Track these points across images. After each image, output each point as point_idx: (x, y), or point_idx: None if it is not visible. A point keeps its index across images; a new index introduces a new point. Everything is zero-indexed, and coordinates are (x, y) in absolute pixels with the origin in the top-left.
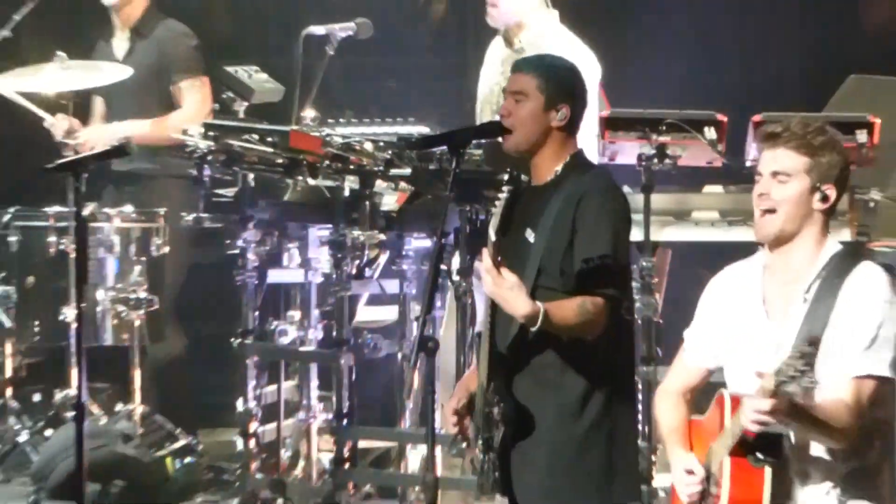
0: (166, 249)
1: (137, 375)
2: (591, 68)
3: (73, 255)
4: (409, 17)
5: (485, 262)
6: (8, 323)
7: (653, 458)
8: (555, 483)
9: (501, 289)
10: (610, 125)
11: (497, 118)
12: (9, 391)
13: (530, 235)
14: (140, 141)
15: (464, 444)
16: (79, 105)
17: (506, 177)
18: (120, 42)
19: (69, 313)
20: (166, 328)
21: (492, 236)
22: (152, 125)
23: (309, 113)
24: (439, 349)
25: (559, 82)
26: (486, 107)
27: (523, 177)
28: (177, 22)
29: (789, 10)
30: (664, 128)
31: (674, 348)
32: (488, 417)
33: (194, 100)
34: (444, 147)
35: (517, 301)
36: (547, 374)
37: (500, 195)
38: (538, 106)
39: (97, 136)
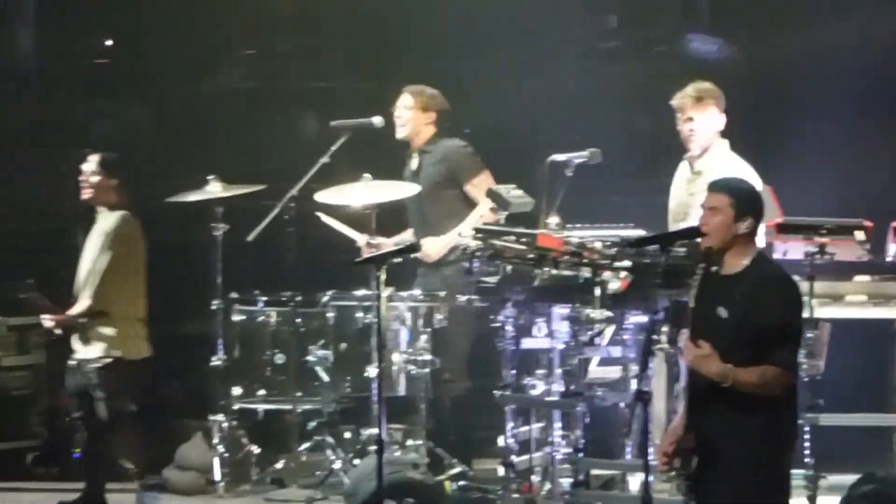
0: (445, 323)
1: (424, 419)
2: (755, 182)
3: (375, 326)
4: (626, 146)
5: (684, 339)
6: (326, 379)
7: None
8: (742, 500)
9: (698, 356)
10: (782, 229)
11: (686, 225)
12: (326, 430)
13: (722, 312)
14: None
15: (672, 474)
16: (379, 214)
17: (700, 268)
18: (413, 161)
19: (372, 371)
20: (443, 382)
21: (690, 304)
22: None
23: (553, 219)
24: (652, 400)
25: (745, 200)
26: (675, 216)
27: (713, 268)
28: (455, 139)
29: None
30: (824, 231)
31: (833, 401)
32: (688, 450)
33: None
34: (656, 245)
35: (711, 365)
36: (735, 414)
37: (695, 277)
38: (729, 218)
39: (429, 247)
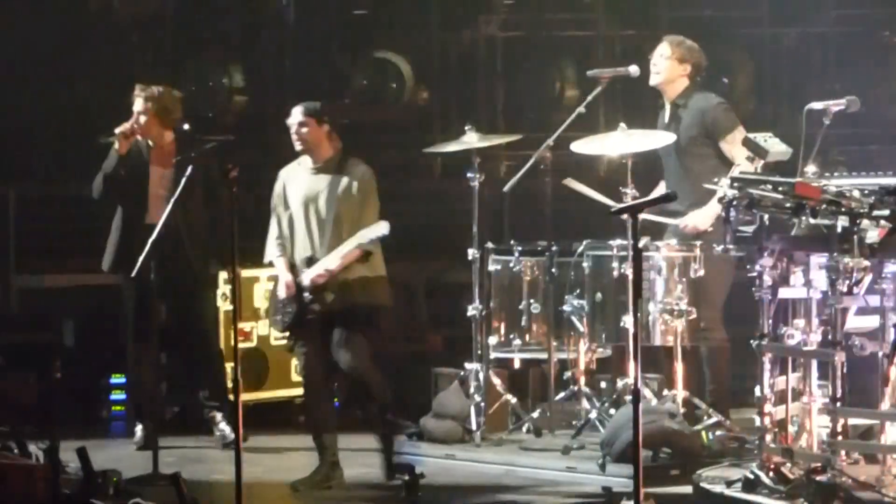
0: (702, 272)
1: (680, 368)
2: None
3: (631, 276)
4: (887, 95)
5: None
6: (582, 328)
7: None
8: None
9: None
10: None
11: None
12: (583, 379)
13: None
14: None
15: None
16: (635, 164)
17: None
18: (666, 113)
19: (628, 320)
20: (700, 332)
21: None
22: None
23: (810, 168)
24: None
25: None
26: None
27: None
28: (710, 93)
29: None
30: None
31: None
32: None
33: (741, 149)
34: None
35: None
36: None
37: None
38: None
39: (694, 219)
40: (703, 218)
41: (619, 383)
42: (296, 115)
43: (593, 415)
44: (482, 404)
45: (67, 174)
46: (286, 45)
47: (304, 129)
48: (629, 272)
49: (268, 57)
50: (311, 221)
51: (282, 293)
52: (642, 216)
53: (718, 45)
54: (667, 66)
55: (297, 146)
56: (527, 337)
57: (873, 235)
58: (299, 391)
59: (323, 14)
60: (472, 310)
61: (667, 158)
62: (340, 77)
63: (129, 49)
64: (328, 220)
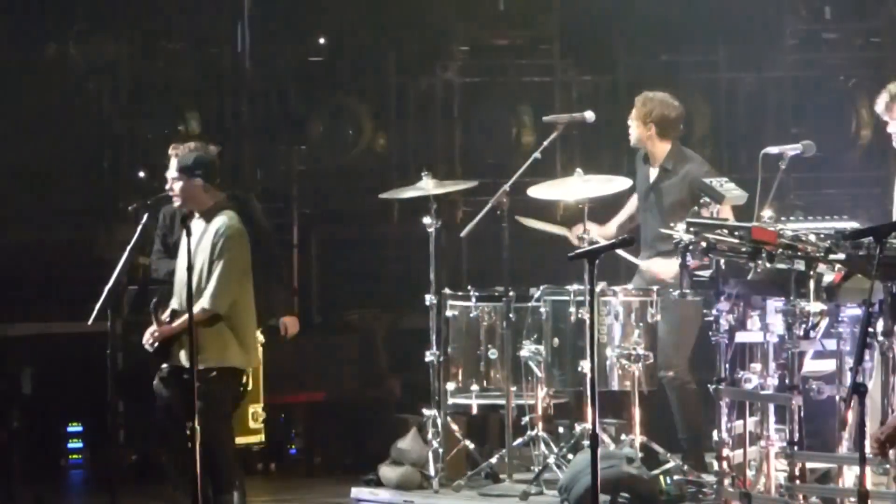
0: (658, 317)
1: (637, 413)
2: None
3: (588, 321)
4: (843, 140)
5: None
6: (540, 373)
7: None
8: None
9: None
10: None
11: None
12: (541, 425)
13: None
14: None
15: (887, 466)
16: (592, 209)
17: None
18: (653, 171)
19: (585, 365)
20: (670, 380)
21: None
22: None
23: (766, 212)
24: (868, 393)
25: None
26: None
27: None
28: (694, 156)
29: None
30: None
31: None
32: None
33: (726, 212)
34: (871, 238)
35: None
36: None
37: None
38: None
39: (661, 269)
40: (663, 266)
41: (578, 428)
42: (170, 170)
43: (551, 460)
44: (440, 450)
45: (25, 223)
46: (243, 92)
47: (177, 185)
48: (586, 317)
49: (224, 103)
50: (181, 273)
51: (144, 340)
52: (623, 254)
53: (675, 90)
54: (633, 128)
55: (175, 201)
56: (485, 382)
57: (829, 279)
58: (258, 438)
59: (279, 60)
60: (430, 356)
61: (644, 215)
62: (297, 123)
63: (84, 97)
64: (185, 273)
